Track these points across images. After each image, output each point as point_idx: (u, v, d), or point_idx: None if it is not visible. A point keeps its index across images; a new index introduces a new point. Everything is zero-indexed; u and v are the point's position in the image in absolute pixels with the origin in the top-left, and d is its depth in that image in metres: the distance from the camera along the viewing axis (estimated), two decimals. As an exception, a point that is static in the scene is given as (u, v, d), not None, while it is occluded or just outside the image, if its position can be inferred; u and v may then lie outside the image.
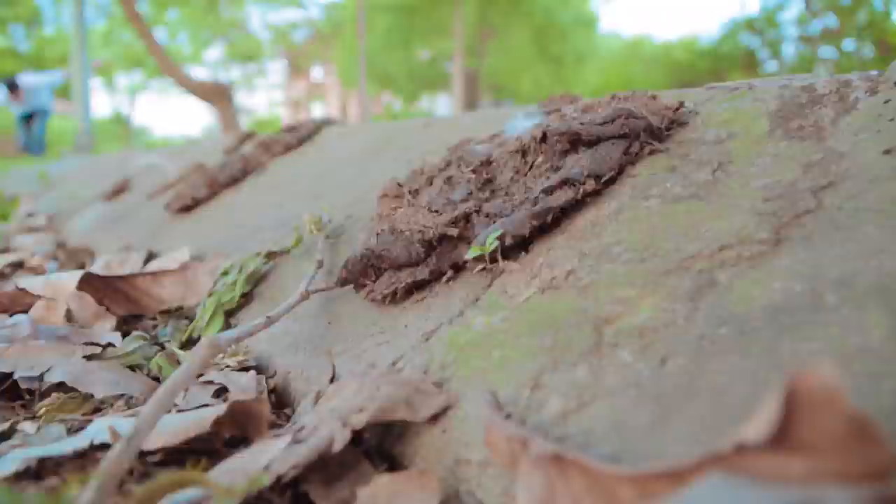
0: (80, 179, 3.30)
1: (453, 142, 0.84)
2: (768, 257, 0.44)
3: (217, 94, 8.28)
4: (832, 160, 0.50)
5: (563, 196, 0.57)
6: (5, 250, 1.69)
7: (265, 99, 34.74)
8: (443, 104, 26.92)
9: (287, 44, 28.05)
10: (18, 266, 1.38)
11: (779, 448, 0.25)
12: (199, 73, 28.42)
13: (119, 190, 1.99)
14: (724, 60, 6.16)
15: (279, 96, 33.74)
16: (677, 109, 0.66)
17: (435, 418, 0.44)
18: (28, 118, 7.67)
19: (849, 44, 7.78)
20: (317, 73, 34.32)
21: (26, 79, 7.80)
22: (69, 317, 0.78)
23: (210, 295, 0.77)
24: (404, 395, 0.44)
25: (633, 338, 0.43)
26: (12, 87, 7.33)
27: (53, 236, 1.90)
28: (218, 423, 0.46)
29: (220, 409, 0.47)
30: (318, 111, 33.39)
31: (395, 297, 0.60)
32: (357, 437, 0.44)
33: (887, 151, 0.49)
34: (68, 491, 0.37)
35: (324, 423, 0.42)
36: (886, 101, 0.54)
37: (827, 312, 0.38)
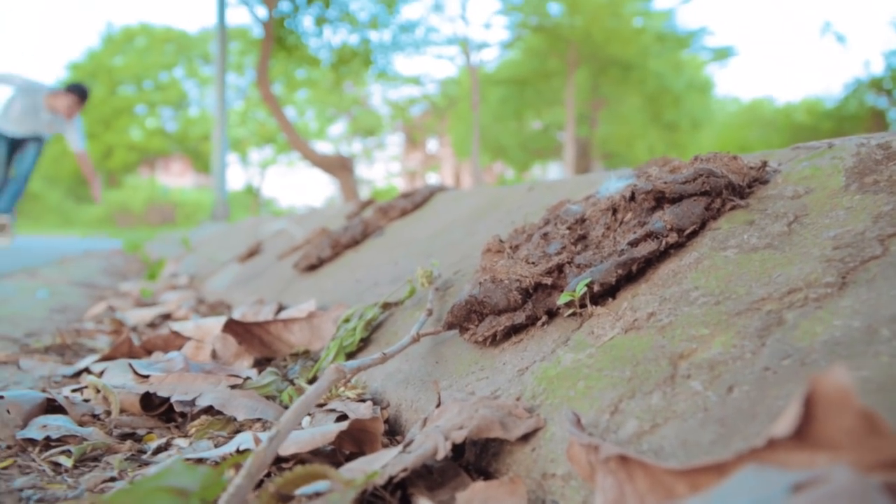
0: (217, 244, 3.59)
1: (553, 203, 0.91)
2: (833, 298, 0.48)
3: (339, 167, 8.78)
4: (902, 211, 0.54)
5: (646, 248, 0.62)
6: (154, 304, 1.89)
7: (383, 170, 36.20)
8: (554, 172, 27.09)
9: (405, 118, 29.33)
10: (167, 317, 1.55)
11: (802, 442, 0.30)
12: (323, 147, 30.14)
13: (252, 252, 2.18)
14: (849, 121, 5.93)
15: (396, 167, 35.08)
16: (760, 168, 0.70)
17: (525, 438, 0.50)
18: (16, 144, 5.24)
19: None
20: (432, 144, 35.51)
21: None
22: (214, 355, 0.90)
23: (333, 339, 0.87)
24: (499, 417, 0.50)
25: (704, 370, 0.47)
26: (83, 96, 5.03)
27: (194, 293, 2.10)
28: (340, 436, 0.54)
29: (342, 425, 0.55)
30: (432, 181, 34.43)
31: (495, 339, 0.67)
32: (457, 451, 0.50)
33: (957, 202, 0.52)
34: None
35: (429, 438, 0.49)
36: (961, 157, 0.57)
37: (879, 344, 0.41)
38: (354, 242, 1.48)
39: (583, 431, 0.46)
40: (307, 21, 11.37)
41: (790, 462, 0.30)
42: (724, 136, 10.09)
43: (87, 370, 0.93)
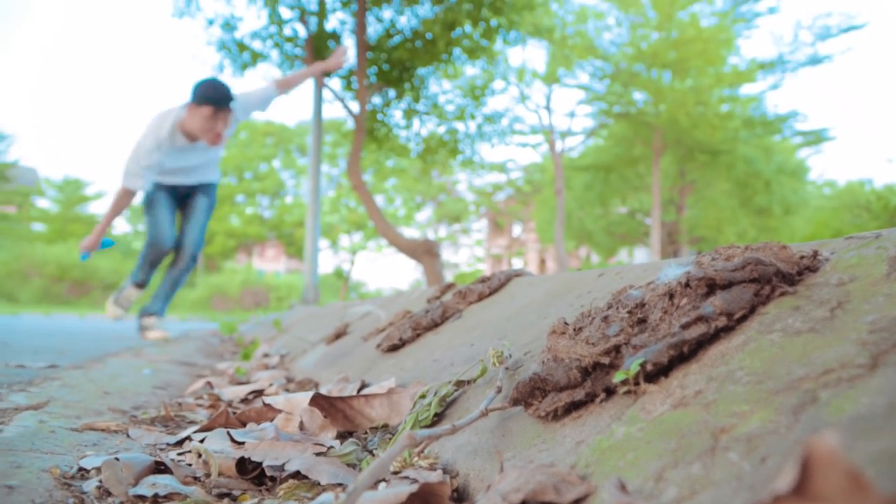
0: (306, 326, 3.75)
1: (618, 288, 0.97)
2: (864, 378, 0.52)
3: (424, 252, 9.00)
4: (938, 298, 0.57)
5: (697, 330, 0.67)
6: (248, 382, 2.01)
7: (468, 254, 36.68)
8: (641, 257, 26.69)
9: (490, 204, 29.84)
10: (259, 393, 1.66)
11: (800, 496, 0.34)
12: (410, 232, 30.90)
13: (339, 334, 2.29)
14: (949, 205, 5.68)
15: (481, 252, 35.46)
16: (811, 257, 0.74)
17: (576, 503, 0.55)
18: (182, 197, 4.05)
19: None
20: (516, 229, 35.82)
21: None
22: (302, 427, 0.98)
23: (410, 414, 0.93)
24: (553, 483, 0.55)
25: (742, 443, 0.51)
26: (222, 103, 3.61)
27: (285, 372, 2.22)
28: (411, 498, 0.60)
29: (412, 487, 0.61)
30: (517, 266, 34.60)
31: (556, 415, 0.73)
32: (514, 511, 0.56)
33: None
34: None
35: (490, 500, 0.55)
36: None
37: (894, 416, 0.45)
38: (434, 325, 1.56)
39: (627, 496, 0.51)
40: (397, 114, 11.93)
41: (792, 515, 0.35)
42: (817, 220, 9.80)
43: (188, 438, 1.03)
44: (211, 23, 9.46)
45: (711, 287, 0.72)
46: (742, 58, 19.27)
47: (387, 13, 10.50)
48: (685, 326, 0.68)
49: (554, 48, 18.09)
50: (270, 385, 1.74)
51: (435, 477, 0.69)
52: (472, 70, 14.10)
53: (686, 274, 0.76)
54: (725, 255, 0.80)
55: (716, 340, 0.68)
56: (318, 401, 1.03)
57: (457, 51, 10.47)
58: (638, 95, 18.82)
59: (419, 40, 10.38)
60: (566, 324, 0.86)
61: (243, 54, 9.90)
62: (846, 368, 0.54)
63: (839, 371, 0.54)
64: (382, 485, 0.71)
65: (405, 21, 10.49)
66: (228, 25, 9.62)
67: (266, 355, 3.07)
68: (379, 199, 28.44)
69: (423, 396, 0.97)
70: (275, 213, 34.72)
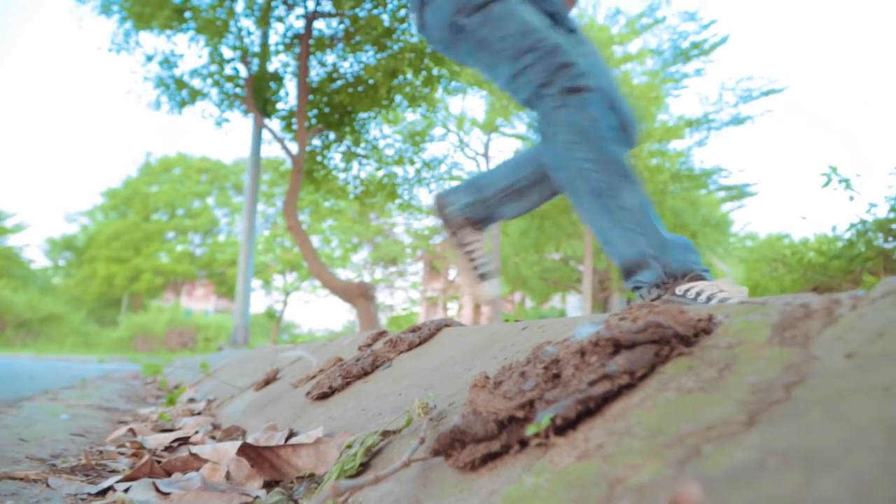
0: (235, 370, 3.70)
1: (539, 342, 1.03)
2: (741, 435, 0.58)
3: (359, 295, 8.98)
4: (806, 362, 0.65)
5: (602, 387, 0.73)
6: (172, 429, 1.98)
7: (403, 297, 36.57)
8: (573, 302, 27.15)
9: (427, 247, 29.98)
10: (184, 441, 1.64)
11: (668, 542, 0.40)
12: (346, 274, 30.67)
13: (269, 380, 2.29)
14: (857, 260, 6.04)
15: (416, 295, 35.41)
16: (707, 320, 0.82)
17: (486, 549, 0.59)
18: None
19: None
20: (452, 273, 35.99)
21: None
22: (228, 476, 1.00)
23: (336, 463, 0.96)
24: (465, 531, 0.60)
25: (634, 492, 0.57)
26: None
27: (211, 418, 2.19)
28: (332, 545, 0.63)
29: (334, 535, 0.64)
30: (452, 309, 34.69)
31: (474, 465, 0.77)
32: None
33: (848, 356, 0.63)
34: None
35: (405, 547, 0.59)
36: (861, 315, 0.69)
37: (765, 472, 0.51)
38: (364, 373, 1.59)
39: (530, 543, 0.55)
40: (336, 156, 11.98)
41: (663, 560, 0.40)
42: (739, 272, 10.25)
43: (111, 488, 1.03)
44: (150, 59, 9.37)
45: (617, 347, 0.79)
46: (671, 115, 20.18)
47: (330, 58, 10.63)
48: (592, 383, 0.74)
49: (493, 98, 18.55)
50: (196, 432, 1.72)
51: (357, 526, 0.72)
52: (412, 116, 14.33)
53: (596, 333, 0.83)
54: (633, 317, 0.87)
55: (619, 397, 0.74)
56: (246, 450, 1.04)
57: (398, 97, 10.65)
58: (572, 147, 19.34)
59: (361, 85, 10.53)
60: (487, 378, 0.91)
61: (182, 92, 9.82)
62: (727, 425, 0.60)
63: (721, 427, 0.60)
64: (306, 534, 0.74)
65: (348, 66, 10.63)
66: (168, 62, 9.55)
67: (192, 400, 3.02)
68: (315, 240, 28.25)
69: (349, 446, 1.00)
70: (206, 252, 33.99)
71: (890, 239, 5.96)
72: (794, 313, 0.75)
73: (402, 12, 9.67)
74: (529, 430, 0.72)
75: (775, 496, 0.48)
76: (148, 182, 34.86)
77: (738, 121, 20.27)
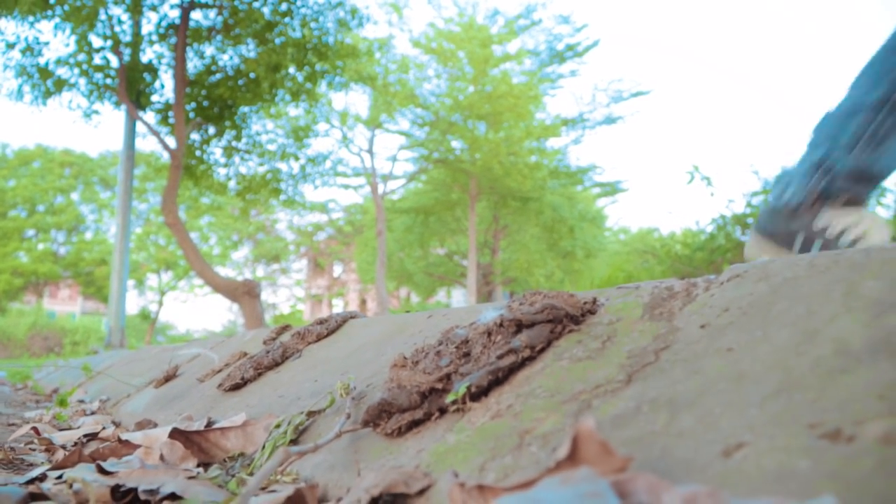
0: (122, 370, 3.61)
1: (446, 328, 1.16)
2: (622, 390, 0.73)
3: (245, 293, 8.82)
4: (671, 332, 0.81)
5: (508, 360, 0.87)
6: (70, 427, 1.97)
7: (287, 294, 35.92)
8: (458, 297, 27.64)
9: (310, 244, 29.58)
10: (93, 436, 1.66)
11: (573, 461, 0.53)
12: (226, 272, 29.74)
13: (169, 377, 2.29)
14: (718, 252, 6.62)
15: (301, 292, 34.87)
16: (592, 303, 0.98)
17: (422, 492, 0.71)
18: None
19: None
20: (337, 269, 35.69)
21: None
22: (162, 458, 1.06)
23: (267, 441, 1.05)
24: (403, 479, 0.71)
25: (539, 439, 0.71)
26: None
27: (108, 416, 2.18)
28: (287, 500, 0.73)
29: (289, 490, 0.74)
30: (338, 306, 34.44)
31: (401, 431, 0.89)
32: (375, 502, 0.71)
33: (702, 326, 0.79)
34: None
35: (353, 494, 0.70)
36: (712, 295, 0.86)
37: (640, 415, 0.66)
38: (275, 364, 1.66)
39: (459, 480, 0.68)
40: (217, 151, 11.65)
41: (565, 475, 0.54)
42: (613, 264, 10.88)
43: (44, 476, 1.07)
44: (11, 46, 8.76)
45: (519, 326, 0.93)
46: (548, 114, 20.98)
47: (208, 50, 10.32)
48: (500, 357, 0.88)
49: (377, 95, 18.59)
50: (103, 428, 1.74)
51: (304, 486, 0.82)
52: (295, 111, 14.13)
53: (500, 316, 0.96)
54: (530, 301, 1.02)
55: (522, 367, 0.88)
56: (175, 435, 1.11)
57: (280, 92, 10.49)
58: (455, 143, 19.78)
59: (242, 79, 10.29)
60: (405, 358, 1.03)
61: (47, 81, 9.24)
62: (610, 384, 0.75)
63: (606, 386, 0.75)
64: (256, 497, 0.83)
65: (227, 59, 10.36)
66: (31, 50, 8.96)
67: (81, 401, 2.95)
68: (193, 237, 27.21)
69: (277, 426, 1.09)
70: (71, 250, 31.91)
71: (746, 232, 6.55)
72: (661, 294, 0.91)
73: (284, 6, 9.55)
74: (449, 398, 0.85)
75: (649, 431, 0.63)
76: (4, 176, 32.31)
77: (610, 120, 21.35)
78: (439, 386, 0.89)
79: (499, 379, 0.87)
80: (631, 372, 0.76)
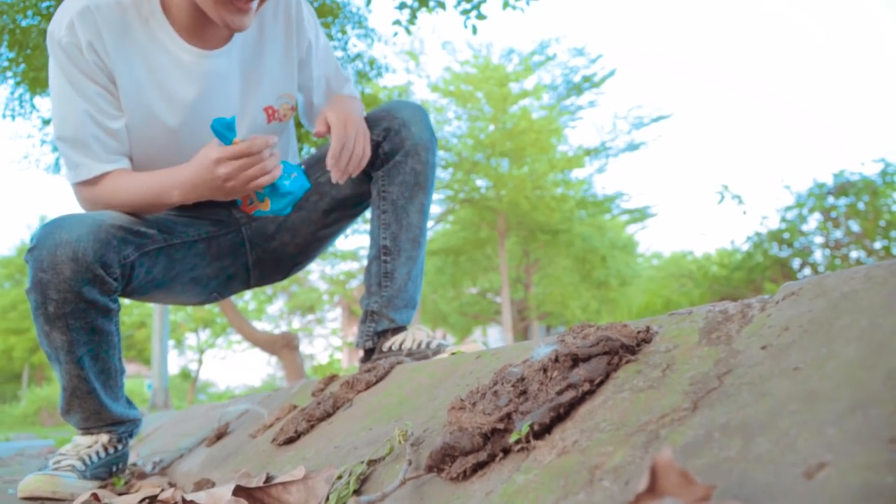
0: (172, 431, 3.65)
1: (497, 367, 1.16)
2: (689, 417, 0.73)
3: (284, 346, 8.88)
4: (732, 355, 0.80)
5: (568, 395, 0.87)
6: (132, 492, 1.99)
7: (324, 344, 36.04)
8: (494, 334, 27.49)
9: (344, 292, 29.75)
10: (152, 499, 1.67)
11: (652, 493, 0.53)
12: (262, 326, 29.99)
13: (221, 434, 2.31)
14: (756, 270, 6.52)
15: (338, 341, 34.96)
16: (646, 331, 0.97)
17: (496, 536, 0.71)
18: None
19: (878, 244, 8.20)
20: (372, 316, 35.63)
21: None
22: (228, 518, 1.07)
23: (331, 493, 1.05)
24: (476, 523, 0.71)
25: (611, 473, 0.70)
26: None
27: (165, 478, 2.20)
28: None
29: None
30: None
31: (466, 475, 0.89)
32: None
33: (763, 347, 0.79)
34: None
35: (428, 543, 0.70)
36: (769, 315, 0.85)
37: (713, 442, 0.66)
38: (327, 415, 1.67)
39: (534, 523, 0.68)
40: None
41: (650, 508, 0.53)
42: (650, 290, 10.77)
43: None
44: (47, 122, 9.09)
45: (575, 360, 0.93)
46: (570, 145, 21.06)
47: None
48: (559, 393, 0.88)
49: (399, 140, 18.79)
50: (162, 490, 1.75)
51: (371, 538, 0.82)
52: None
53: (554, 351, 0.96)
54: (582, 334, 1.02)
55: (583, 401, 0.87)
56: (239, 492, 1.12)
57: (305, 146, 10.67)
58: (480, 182, 19.91)
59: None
60: (462, 400, 1.04)
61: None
62: (676, 412, 0.74)
63: (672, 414, 0.74)
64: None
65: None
66: (65, 124, 9.28)
67: (134, 465, 2.98)
68: (228, 294, 27.50)
69: (339, 477, 1.09)
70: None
71: (784, 247, 6.47)
72: (716, 318, 0.91)
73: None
74: (512, 438, 0.84)
75: (724, 458, 0.63)
76: (43, 247, 32.99)
77: (632, 147, 21.34)
78: (501, 426, 0.89)
79: (560, 415, 0.86)
80: (696, 399, 0.75)
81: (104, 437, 1.89)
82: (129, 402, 1.98)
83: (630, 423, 0.77)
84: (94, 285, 1.54)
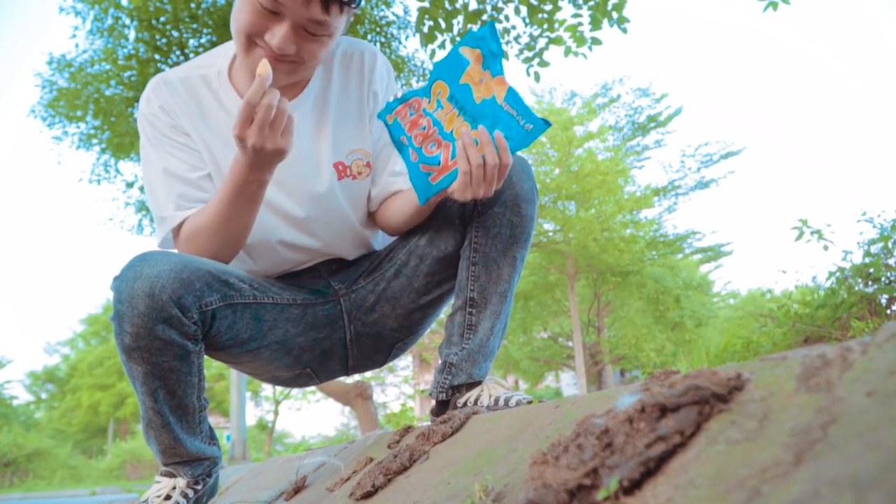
0: (251, 485, 3.68)
1: (579, 418, 1.12)
2: (793, 472, 0.68)
3: (357, 395, 8.93)
4: (834, 404, 0.75)
5: (658, 448, 0.83)
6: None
7: (396, 392, 36.09)
8: (567, 380, 26.97)
9: (414, 340, 29.78)
10: (235, 556, 1.67)
11: (763, 559, 0.49)
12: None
13: (299, 488, 2.31)
14: (842, 307, 6.20)
15: (409, 389, 34.97)
16: (737, 378, 0.92)
17: None
18: None
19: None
20: (443, 363, 35.61)
21: None
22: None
23: (411, 551, 1.03)
24: (567, 587, 0.68)
25: (710, 534, 0.66)
26: None
27: (247, 535, 2.21)
28: None
29: None
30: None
31: (552, 533, 0.85)
32: None
33: (869, 394, 0.73)
34: None
35: None
36: (871, 359, 0.80)
37: (821, 499, 0.61)
38: (404, 468, 1.65)
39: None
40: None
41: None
42: (728, 331, 10.37)
43: None
44: (130, 185, 9.58)
45: (663, 410, 0.89)
46: (638, 186, 20.82)
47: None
48: (648, 446, 0.84)
49: (464, 187, 18.99)
50: (243, 546, 1.76)
51: None
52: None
53: (640, 401, 0.93)
54: (668, 382, 0.98)
55: (674, 455, 0.83)
56: (320, 550, 1.10)
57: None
58: (548, 226, 19.83)
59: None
60: (545, 454, 1.00)
61: (164, 213, 9.97)
62: (778, 466, 0.70)
63: (773, 469, 0.70)
64: None
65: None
66: (148, 186, 9.76)
67: (216, 519, 3.00)
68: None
69: (420, 534, 1.07)
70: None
71: (870, 283, 6.15)
72: (813, 363, 0.85)
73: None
74: (600, 495, 0.81)
75: (835, 517, 0.58)
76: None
77: (702, 185, 20.93)
78: (587, 482, 0.85)
79: (650, 470, 0.82)
80: (798, 451, 0.70)
81: (181, 482, 1.84)
82: (211, 438, 1.85)
83: (727, 478, 0.73)
84: (170, 325, 1.51)
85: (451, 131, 1.55)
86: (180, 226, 1.75)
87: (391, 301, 1.99)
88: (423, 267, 1.91)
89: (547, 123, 1.49)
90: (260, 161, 1.54)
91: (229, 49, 1.80)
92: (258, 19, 1.52)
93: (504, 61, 1.56)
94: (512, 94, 1.49)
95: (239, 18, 1.55)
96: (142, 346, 1.51)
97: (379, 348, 2.14)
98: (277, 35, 1.53)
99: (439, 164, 1.59)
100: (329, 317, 1.97)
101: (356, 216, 1.95)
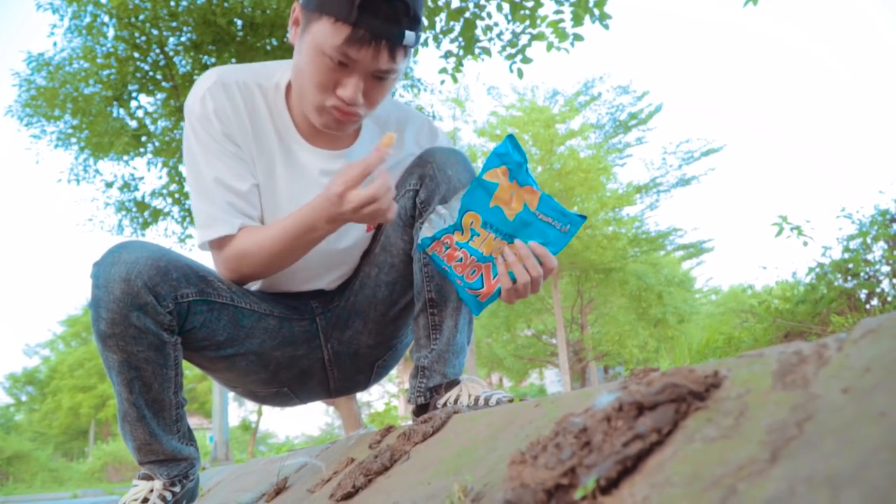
0: (233, 486, 3.65)
1: (558, 417, 1.12)
2: (768, 469, 0.68)
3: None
4: (810, 401, 0.75)
5: (635, 447, 0.82)
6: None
7: (380, 392, 35.99)
8: (551, 377, 27.07)
9: (398, 339, 29.74)
10: (214, 560, 1.66)
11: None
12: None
13: (280, 490, 2.30)
14: (822, 303, 6.27)
15: (393, 388, 34.90)
16: (714, 376, 0.92)
17: None
18: None
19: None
20: (427, 362, 35.55)
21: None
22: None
23: (390, 553, 1.02)
24: (543, 589, 0.67)
25: (687, 533, 0.66)
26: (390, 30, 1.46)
27: (227, 536, 2.19)
28: None
29: None
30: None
31: (530, 534, 0.84)
32: None
33: (845, 390, 0.73)
34: None
35: None
36: (848, 355, 0.80)
37: (797, 497, 0.61)
38: (384, 469, 1.64)
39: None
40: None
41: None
42: (709, 326, 10.46)
43: None
44: (110, 185, 9.48)
45: (640, 409, 0.88)
46: (620, 183, 20.92)
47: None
48: (625, 444, 0.83)
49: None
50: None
51: None
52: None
53: (618, 399, 0.92)
54: (646, 380, 0.97)
55: (651, 453, 0.83)
56: (297, 553, 1.09)
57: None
58: (530, 224, 19.81)
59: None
60: (523, 453, 1.00)
61: (144, 213, 9.89)
62: (754, 464, 0.70)
63: (749, 466, 0.70)
64: None
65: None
66: (128, 186, 9.66)
67: (196, 521, 2.98)
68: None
69: (398, 536, 1.06)
70: (175, 370, 33.06)
71: (849, 278, 6.22)
72: (790, 360, 0.85)
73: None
74: (577, 494, 0.80)
75: (810, 515, 0.58)
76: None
77: (684, 182, 21.08)
78: (565, 481, 0.85)
79: (628, 468, 0.82)
80: (774, 449, 0.70)
81: (158, 484, 1.80)
82: (189, 438, 1.83)
83: (704, 476, 0.72)
84: (145, 313, 1.51)
85: (491, 254, 1.61)
86: (228, 238, 1.73)
87: (361, 315, 2.01)
88: (382, 276, 1.94)
89: (582, 217, 1.59)
90: (347, 219, 1.58)
91: (289, 67, 1.77)
92: (330, 74, 1.54)
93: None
94: (544, 201, 1.54)
95: (309, 72, 1.57)
96: (117, 333, 1.50)
97: (360, 367, 2.15)
98: (349, 88, 1.55)
99: (482, 287, 1.67)
100: (305, 334, 1.98)
101: (357, 254, 2.02)
